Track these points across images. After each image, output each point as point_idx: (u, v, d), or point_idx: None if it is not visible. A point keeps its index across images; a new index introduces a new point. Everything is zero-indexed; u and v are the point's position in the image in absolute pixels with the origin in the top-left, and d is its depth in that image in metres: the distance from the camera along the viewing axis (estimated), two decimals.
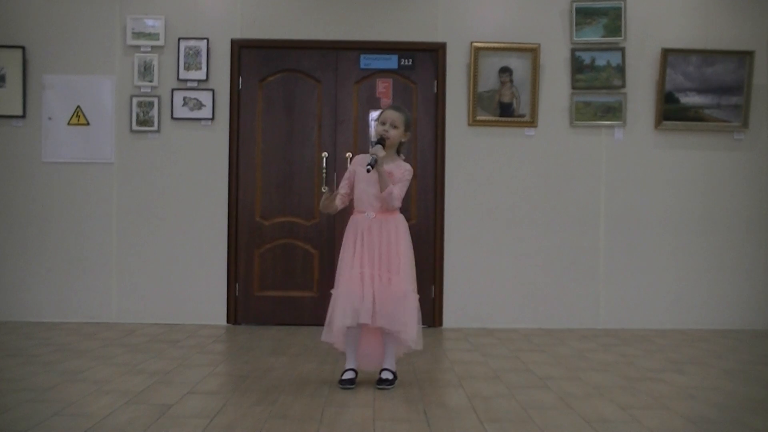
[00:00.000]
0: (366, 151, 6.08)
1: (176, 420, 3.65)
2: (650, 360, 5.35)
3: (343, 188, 4.56)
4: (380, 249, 4.36)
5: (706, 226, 6.81)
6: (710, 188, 6.82)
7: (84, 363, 4.94)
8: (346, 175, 4.58)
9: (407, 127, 4.50)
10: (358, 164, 4.53)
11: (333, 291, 4.45)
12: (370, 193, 4.41)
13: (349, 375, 4.40)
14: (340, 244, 4.54)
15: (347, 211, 4.65)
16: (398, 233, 4.43)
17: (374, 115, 4.62)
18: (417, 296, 4.44)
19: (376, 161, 4.29)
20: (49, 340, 5.74)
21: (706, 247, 6.81)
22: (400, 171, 4.44)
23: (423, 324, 6.52)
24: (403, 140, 4.52)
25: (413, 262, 4.49)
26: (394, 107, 4.59)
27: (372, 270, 4.33)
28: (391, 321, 4.29)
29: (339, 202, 4.53)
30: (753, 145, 6.82)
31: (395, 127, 4.44)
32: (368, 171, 4.29)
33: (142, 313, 6.63)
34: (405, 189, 4.45)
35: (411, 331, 4.35)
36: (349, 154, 6.64)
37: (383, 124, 4.45)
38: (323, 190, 4.57)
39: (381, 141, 4.39)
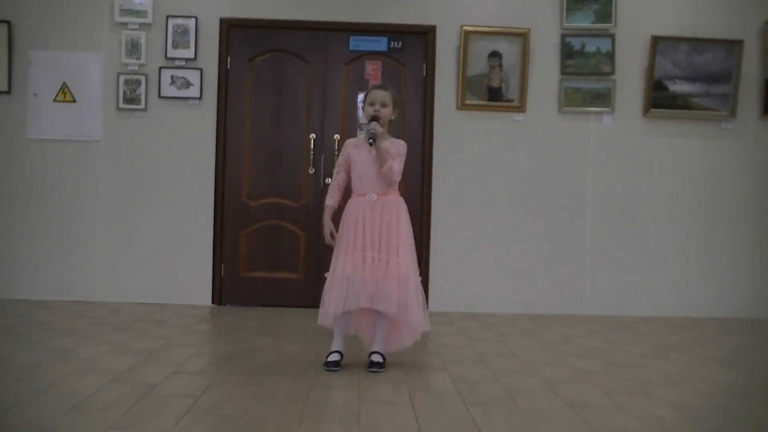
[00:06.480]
0: (353, 134, 6.10)
1: (161, 399, 3.64)
2: (634, 346, 5.38)
3: (339, 176, 4.52)
4: (381, 231, 4.34)
5: (692, 214, 6.84)
6: (697, 176, 6.85)
7: (69, 341, 4.92)
8: (341, 161, 4.54)
9: (395, 104, 4.50)
10: (351, 147, 4.51)
11: (328, 274, 4.43)
12: (371, 174, 4.40)
13: (334, 357, 4.40)
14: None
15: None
16: (399, 215, 4.41)
17: (362, 96, 4.62)
18: (419, 278, 4.44)
19: (375, 135, 4.28)
20: (35, 318, 5.72)
21: (692, 235, 6.84)
22: (395, 147, 4.43)
23: None
24: (392, 118, 4.52)
25: (413, 244, 4.48)
26: (380, 86, 4.55)
27: (373, 253, 4.31)
28: (389, 304, 4.27)
29: (337, 199, 4.52)
30: (740, 134, 6.85)
31: (384, 105, 4.43)
32: (371, 144, 4.29)
33: (128, 292, 6.61)
34: (402, 163, 4.44)
35: (412, 314, 4.33)
36: (337, 136, 6.62)
37: (372, 104, 4.44)
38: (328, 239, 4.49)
39: (375, 119, 4.38)
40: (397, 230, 4.38)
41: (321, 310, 4.40)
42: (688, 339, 5.74)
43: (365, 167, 4.42)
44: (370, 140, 4.30)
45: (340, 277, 4.31)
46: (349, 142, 4.60)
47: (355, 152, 4.47)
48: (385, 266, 4.31)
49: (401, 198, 4.49)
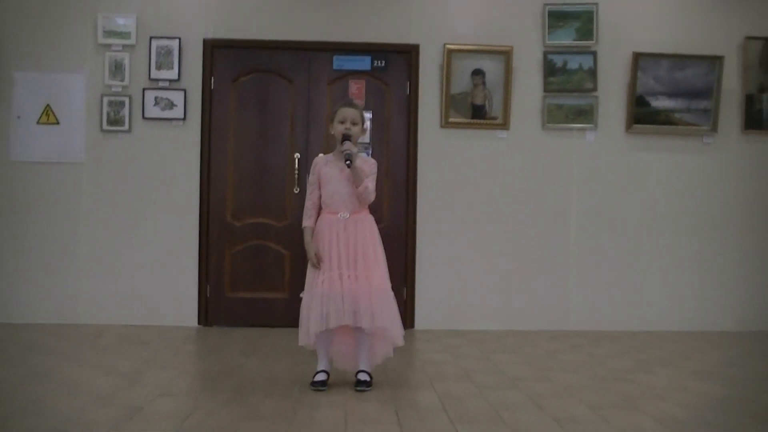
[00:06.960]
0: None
1: (147, 421, 3.62)
2: (619, 361, 5.39)
3: (314, 195, 4.49)
4: (356, 248, 4.35)
5: (675, 228, 6.87)
6: (679, 191, 6.89)
7: (52, 363, 4.90)
8: (312, 180, 4.52)
9: (363, 122, 4.53)
10: (322, 165, 4.51)
11: (303, 294, 4.43)
12: (344, 192, 4.40)
13: (321, 377, 4.38)
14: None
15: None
16: (372, 232, 4.44)
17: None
18: (392, 293, 4.45)
19: (351, 156, 4.29)
20: (18, 340, 5.68)
21: (675, 249, 6.87)
22: (368, 165, 4.45)
23: None
24: (361, 136, 4.55)
25: (386, 260, 4.49)
26: (350, 104, 4.55)
27: (349, 270, 4.32)
28: (373, 319, 4.27)
29: (315, 219, 4.48)
30: (722, 149, 6.90)
31: (355, 123, 4.44)
32: (348, 166, 4.29)
33: (112, 313, 6.57)
34: (375, 182, 4.46)
35: (390, 327, 4.35)
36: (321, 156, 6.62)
37: (342, 122, 4.44)
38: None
39: (347, 138, 4.39)
40: (372, 246, 4.40)
41: (301, 331, 4.38)
42: (672, 353, 5.76)
43: (338, 185, 4.42)
44: (347, 162, 4.30)
45: (319, 294, 4.29)
46: (319, 159, 4.57)
47: (326, 170, 4.46)
48: (366, 282, 4.31)
49: (371, 215, 4.51)
